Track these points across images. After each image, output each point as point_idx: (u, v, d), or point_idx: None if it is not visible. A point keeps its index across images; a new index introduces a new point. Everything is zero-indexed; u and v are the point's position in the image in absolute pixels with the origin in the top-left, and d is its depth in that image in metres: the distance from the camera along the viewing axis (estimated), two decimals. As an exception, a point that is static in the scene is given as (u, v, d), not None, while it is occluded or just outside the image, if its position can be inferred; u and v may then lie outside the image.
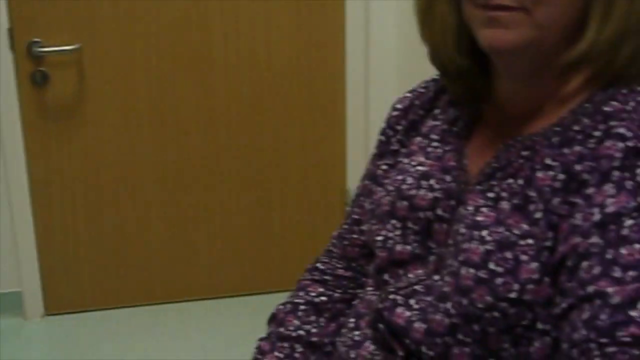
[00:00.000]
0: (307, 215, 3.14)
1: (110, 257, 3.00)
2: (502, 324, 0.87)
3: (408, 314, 0.96)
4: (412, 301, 0.97)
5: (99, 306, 3.01)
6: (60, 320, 2.96)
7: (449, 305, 0.91)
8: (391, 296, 0.99)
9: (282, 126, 3.03)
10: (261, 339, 1.19)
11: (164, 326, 2.92)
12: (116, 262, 3.01)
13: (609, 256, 0.76)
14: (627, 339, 0.71)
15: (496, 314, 0.87)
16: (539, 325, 0.86)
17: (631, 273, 0.74)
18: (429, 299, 0.95)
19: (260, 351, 1.17)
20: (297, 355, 1.15)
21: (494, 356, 0.90)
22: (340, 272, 1.21)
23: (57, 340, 2.91)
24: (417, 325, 0.94)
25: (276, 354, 1.15)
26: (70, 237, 2.95)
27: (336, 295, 1.19)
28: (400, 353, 0.97)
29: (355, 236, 1.19)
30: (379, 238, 1.04)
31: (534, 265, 0.85)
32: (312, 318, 1.18)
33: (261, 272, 3.15)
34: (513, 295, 0.86)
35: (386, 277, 1.03)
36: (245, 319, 2.94)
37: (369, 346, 1.02)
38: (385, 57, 2.94)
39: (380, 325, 0.99)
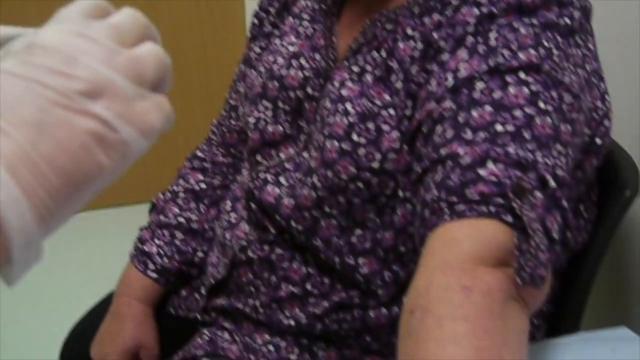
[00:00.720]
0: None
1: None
2: (366, 194, 0.89)
3: (277, 191, 0.97)
4: (281, 178, 0.98)
5: None
6: None
7: (315, 179, 0.91)
8: (261, 175, 0.99)
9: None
10: (142, 228, 1.18)
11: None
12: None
13: (460, 119, 0.78)
14: (476, 197, 0.73)
15: (360, 184, 0.88)
16: (401, 194, 0.88)
17: (481, 134, 0.76)
18: (297, 175, 0.96)
19: (140, 240, 1.17)
20: (177, 242, 1.15)
21: (360, 226, 0.91)
22: (220, 159, 1.21)
23: None
24: (286, 201, 0.95)
25: (156, 241, 1.15)
26: None
27: (215, 182, 1.19)
28: (272, 230, 0.98)
29: (233, 122, 1.19)
30: (251, 120, 1.03)
31: (395, 134, 0.86)
32: (192, 205, 1.17)
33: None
34: (375, 165, 0.87)
35: (259, 158, 1.03)
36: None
37: (244, 227, 1.03)
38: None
39: (252, 204, 1.00)
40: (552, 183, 0.74)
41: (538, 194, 0.72)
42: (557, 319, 0.98)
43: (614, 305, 1.21)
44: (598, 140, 0.89)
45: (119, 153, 0.43)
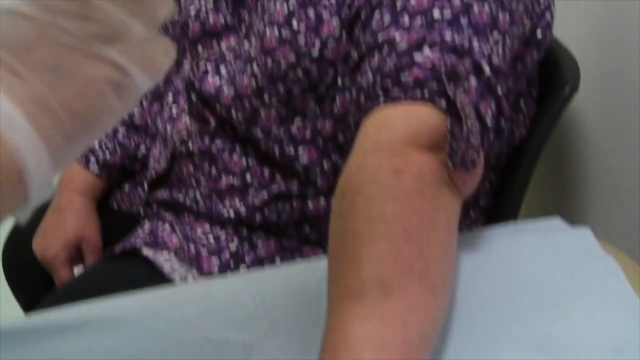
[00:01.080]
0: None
1: None
2: (306, 82, 0.88)
3: (218, 81, 0.96)
4: (222, 68, 0.96)
5: None
6: None
7: (254, 67, 0.90)
8: (201, 65, 0.98)
9: None
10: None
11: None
12: None
13: (398, 5, 0.77)
14: (411, 82, 0.72)
15: (299, 72, 0.87)
16: (340, 82, 0.87)
17: (418, 20, 0.75)
18: (238, 64, 0.95)
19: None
20: (119, 136, 1.14)
21: (300, 116, 0.91)
22: (163, 52, 1.18)
23: None
24: (226, 91, 0.94)
25: (98, 136, 1.14)
26: None
27: (158, 76, 1.17)
28: (213, 122, 0.97)
29: (176, 17, 1.16)
30: (192, 10, 1.01)
31: (335, 21, 0.85)
32: (134, 100, 1.16)
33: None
34: (315, 52, 0.86)
35: (200, 49, 1.01)
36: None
37: (185, 120, 1.02)
38: None
39: (193, 95, 0.98)
40: (487, 70, 0.74)
41: (472, 80, 0.72)
42: (495, 213, 1.00)
43: (551, 199, 1.23)
44: (539, 33, 0.88)
45: (131, 98, 0.43)
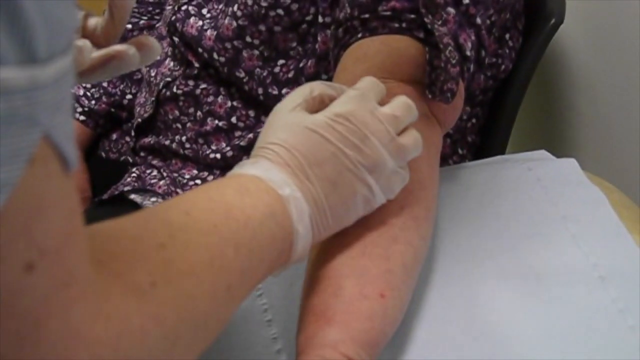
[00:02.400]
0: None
1: None
2: (287, 21, 0.87)
3: (200, 23, 0.94)
4: (204, 10, 0.95)
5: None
6: None
7: (235, 7, 0.89)
8: (184, 7, 0.97)
9: None
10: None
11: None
12: None
13: None
14: (387, 13, 0.71)
15: (280, 11, 0.86)
16: (321, 19, 0.86)
17: None
18: (220, 6, 0.94)
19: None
20: (105, 84, 1.13)
21: (283, 56, 0.90)
22: (146, -2, 1.17)
23: None
24: (208, 32, 0.93)
25: (84, 84, 1.13)
26: None
27: (142, 22, 1.15)
28: (196, 65, 0.96)
29: None
30: (174, -49, 0.99)
31: None
32: (119, 46, 1.14)
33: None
34: None
35: (183, -9, 1.00)
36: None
37: (169, 63, 1.01)
38: None
39: (175, 38, 0.97)
40: None
41: (450, 10, 0.71)
42: (483, 149, 0.99)
43: (538, 134, 1.23)
44: (522, -37, 0.87)
45: (370, 210, 0.59)
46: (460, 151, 0.97)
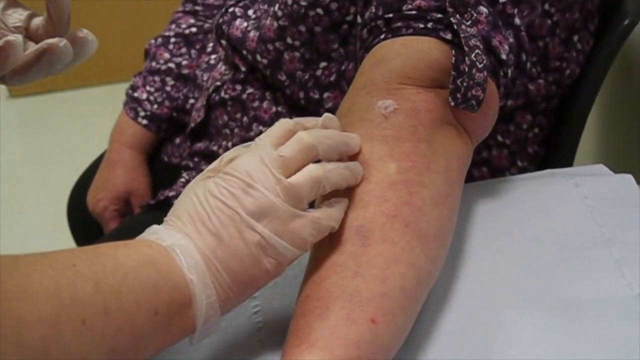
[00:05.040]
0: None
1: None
2: (327, 21, 0.83)
3: (245, 24, 0.92)
4: (250, 12, 0.93)
5: (62, 87, 3.00)
6: (24, 102, 2.96)
7: (276, 7, 0.86)
8: (230, 9, 0.94)
9: None
10: (135, 75, 1.16)
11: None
12: (75, 42, 2.96)
13: None
14: (413, 12, 0.66)
15: (319, 10, 0.82)
16: (360, 19, 0.81)
17: None
18: (264, 6, 0.91)
19: (132, 86, 1.14)
20: (168, 88, 1.13)
21: (325, 59, 0.86)
22: (211, 0, 1.16)
23: (23, 122, 2.92)
24: (251, 34, 0.90)
25: (147, 88, 1.13)
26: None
27: (207, 25, 1.14)
28: (243, 68, 0.93)
29: None
30: (227, -48, 0.97)
31: None
32: (183, 50, 1.14)
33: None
34: None
35: (234, -8, 0.98)
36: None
37: (221, 67, 0.99)
38: None
39: (223, 41, 0.95)
40: None
41: (483, 9, 0.65)
42: (547, 161, 0.91)
43: (608, 144, 1.12)
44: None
45: (276, 260, 0.54)
46: (519, 163, 0.90)
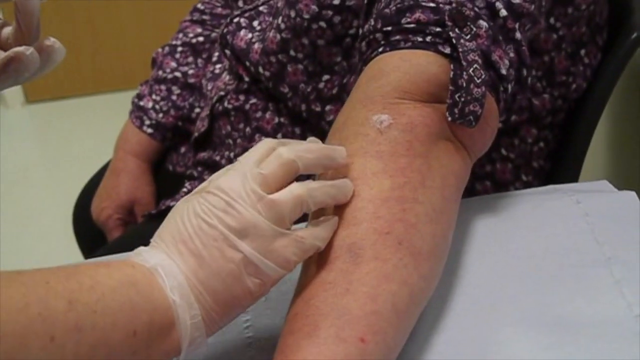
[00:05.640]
0: None
1: (86, 45, 2.96)
2: (330, 34, 0.82)
3: (250, 35, 0.91)
4: (255, 23, 0.92)
5: (77, 93, 3.01)
6: (40, 108, 2.97)
7: (280, 20, 0.85)
8: (235, 19, 0.94)
9: None
10: (141, 84, 1.15)
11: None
12: (92, 49, 2.98)
13: None
14: (411, 25, 0.65)
15: (322, 24, 0.81)
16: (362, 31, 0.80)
17: None
18: (269, 18, 0.90)
19: (138, 95, 1.14)
20: (173, 97, 1.12)
21: (328, 71, 0.85)
22: (219, 10, 1.15)
23: (37, 128, 2.94)
24: (255, 46, 0.90)
25: (153, 96, 1.12)
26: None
27: (214, 35, 1.14)
28: (246, 79, 0.93)
29: None
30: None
31: None
32: (190, 59, 1.13)
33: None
34: (336, 1, 0.80)
35: (240, 3, 0.98)
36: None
37: (225, 77, 0.98)
38: None
39: (227, 51, 0.94)
40: (504, 12, 0.65)
41: (483, 23, 0.64)
42: (553, 176, 0.90)
43: (615, 159, 1.10)
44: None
45: (259, 280, 0.53)
46: (524, 177, 0.88)
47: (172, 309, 0.51)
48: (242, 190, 0.53)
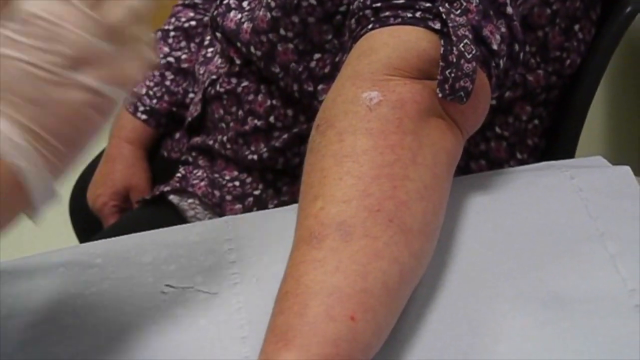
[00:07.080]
0: None
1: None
2: (320, 11, 0.81)
3: (239, 16, 0.90)
4: (244, 3, 0.91)
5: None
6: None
7: None
8: (225, 1, 0.93)
9: None
10: (134, 70, 1.14)
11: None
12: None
13: None
14: (401, 1, 0.64)
15: (312, 1, 0.81)
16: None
17: None
18: None
19: (131, 81, 1.13)
20: (167, 82, 1.11)
21: (319, 50, 0.84)
22: (210, -7, 1.14)
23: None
24: (245, 25, 0.89)
25: (147, 82, 1.11)
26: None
27: (206, 18, 1.13)
28: (238, 61, 0.92)
29: None
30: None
31: None
32: (183, 44, 1.12)
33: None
34: None
35: (229, -16, 0.97)
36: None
37: (217, 60, 0.97)
38: None
39: (218, 34, 0.94)
40: None
41: None
42: (548, 153, 0.89)
43: (611, 135, 1.09)
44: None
45: (111, 111, 0.49)
46: (519, 156, 0.88)
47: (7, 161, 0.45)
48: (73, 15, 0.46)
